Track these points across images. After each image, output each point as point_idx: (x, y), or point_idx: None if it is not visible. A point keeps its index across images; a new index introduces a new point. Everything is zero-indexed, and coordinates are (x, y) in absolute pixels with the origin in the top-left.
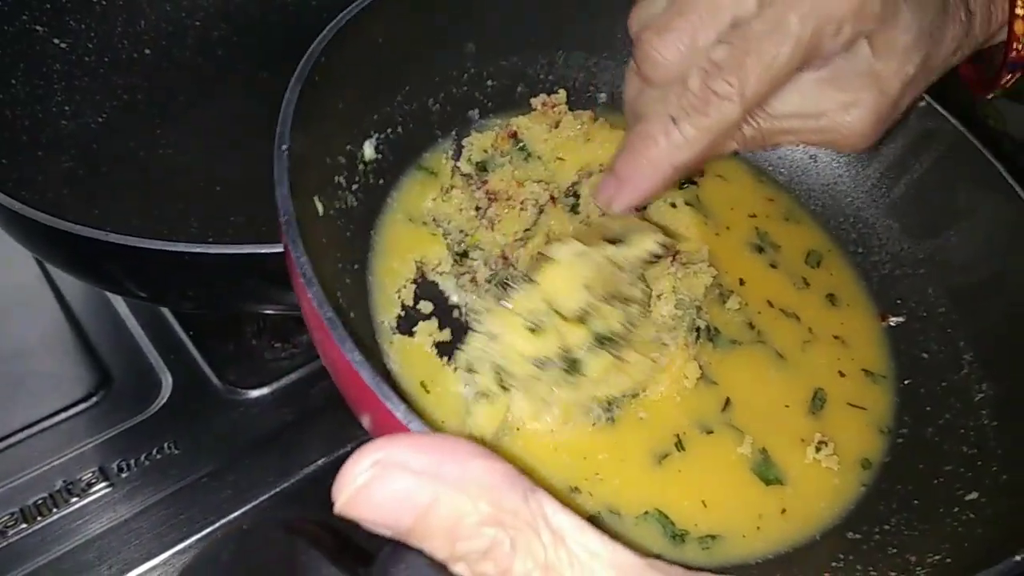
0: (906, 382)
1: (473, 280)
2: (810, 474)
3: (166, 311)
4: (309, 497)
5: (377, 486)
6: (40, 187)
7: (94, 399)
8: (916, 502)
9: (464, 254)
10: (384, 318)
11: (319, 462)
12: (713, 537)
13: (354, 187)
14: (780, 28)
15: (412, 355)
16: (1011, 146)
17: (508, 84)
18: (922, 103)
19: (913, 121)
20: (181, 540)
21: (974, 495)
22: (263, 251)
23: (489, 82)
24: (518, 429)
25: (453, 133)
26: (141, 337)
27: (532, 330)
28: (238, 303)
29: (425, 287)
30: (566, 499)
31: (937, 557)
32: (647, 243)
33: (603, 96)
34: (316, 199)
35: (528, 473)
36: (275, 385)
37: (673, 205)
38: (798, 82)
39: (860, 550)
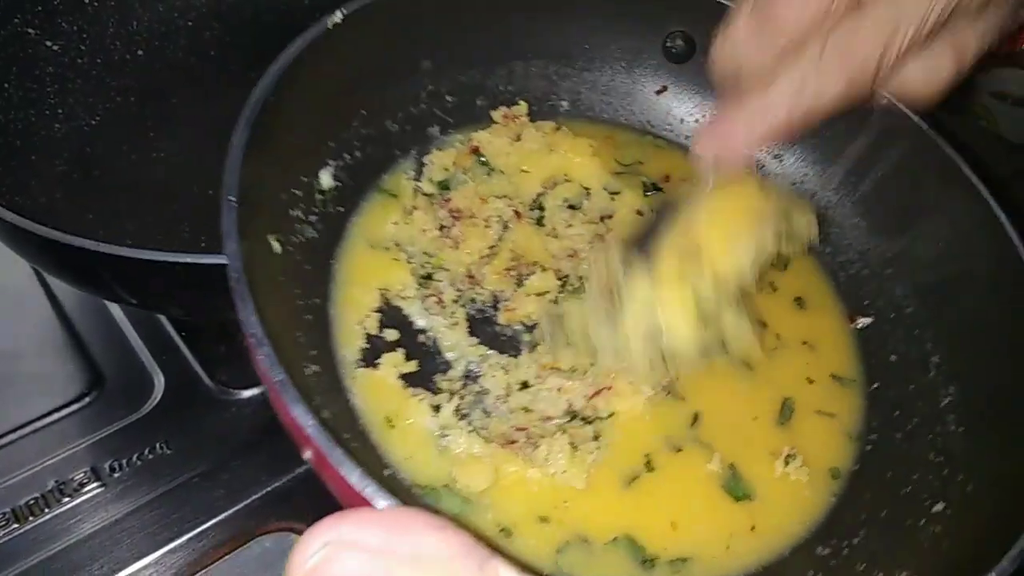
0: (875, 386)
1: (439, 302)
2: (779, 488)
3: None
4: (300, 497)
5: (329, 567)
6: (33, 192)
7: (86, 399)
8: (884, 512)
9: (429, 276)
10: (347, 352)
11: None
12: (684, 560)
13: (312, 218)
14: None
15: (376, 389)
16: (1005, 148)
17: (467, 98)
18: (883, 100)
19: (875, 119)
20: (173, 539)
21: (940, 506)
22: None
23: (448, 98)
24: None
25: (413, 152)
26: (133, 338)
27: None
28: (228, 311)
29: (390, 314)
30: (535, 529)
31: (904, 573)
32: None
33: (565, 104)
34: (272, 238)
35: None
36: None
37: (640, 213)
38: None
39: (829, 566)
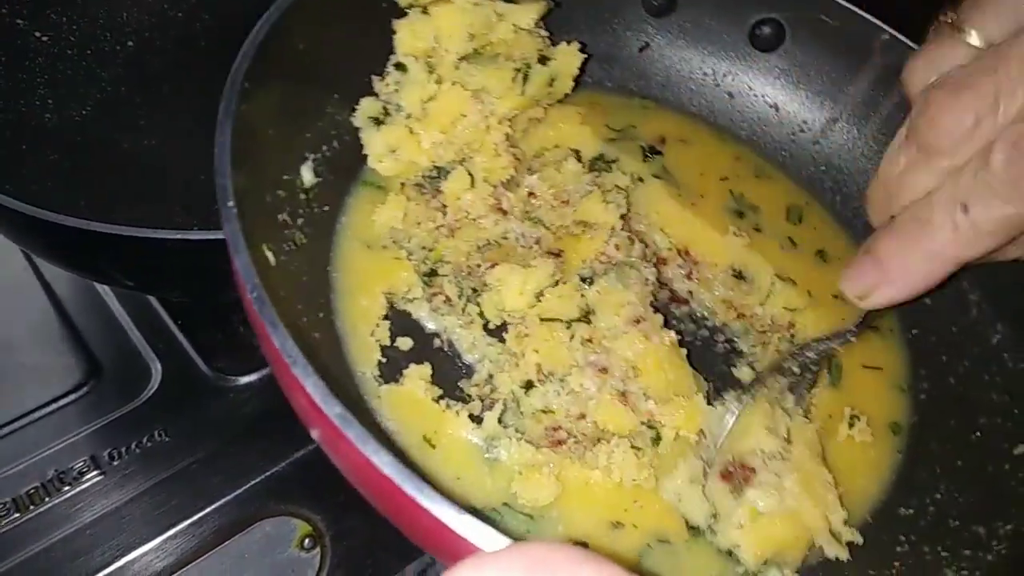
0: (914, 332)
1: (448, 300)
2: (846, 452)
3: (154, 300)
4: (300, 481)
5: None
6: (25, 180)
7: (84, 389)
8: (959, 463)
9: (433, 272)
10: (365, 368)
11: (308, 447)
12: None
13: (299, 221)
14: None
15: (407, 406)
16: None
17: None
18: (885, 36)
19: (877, 57)
20: (173, 526)
21: (1022, 448)
22: None
23: None
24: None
25: None
26: (130, 326)
27: None
28: (223, 290)
29: (398, 320)
30: (610, 538)
31: (1009, 526)
32: None
33: None
34: (265, 248)
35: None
36: (264, 371)
37: (640, 180)
38: None
39: (919, 527)
